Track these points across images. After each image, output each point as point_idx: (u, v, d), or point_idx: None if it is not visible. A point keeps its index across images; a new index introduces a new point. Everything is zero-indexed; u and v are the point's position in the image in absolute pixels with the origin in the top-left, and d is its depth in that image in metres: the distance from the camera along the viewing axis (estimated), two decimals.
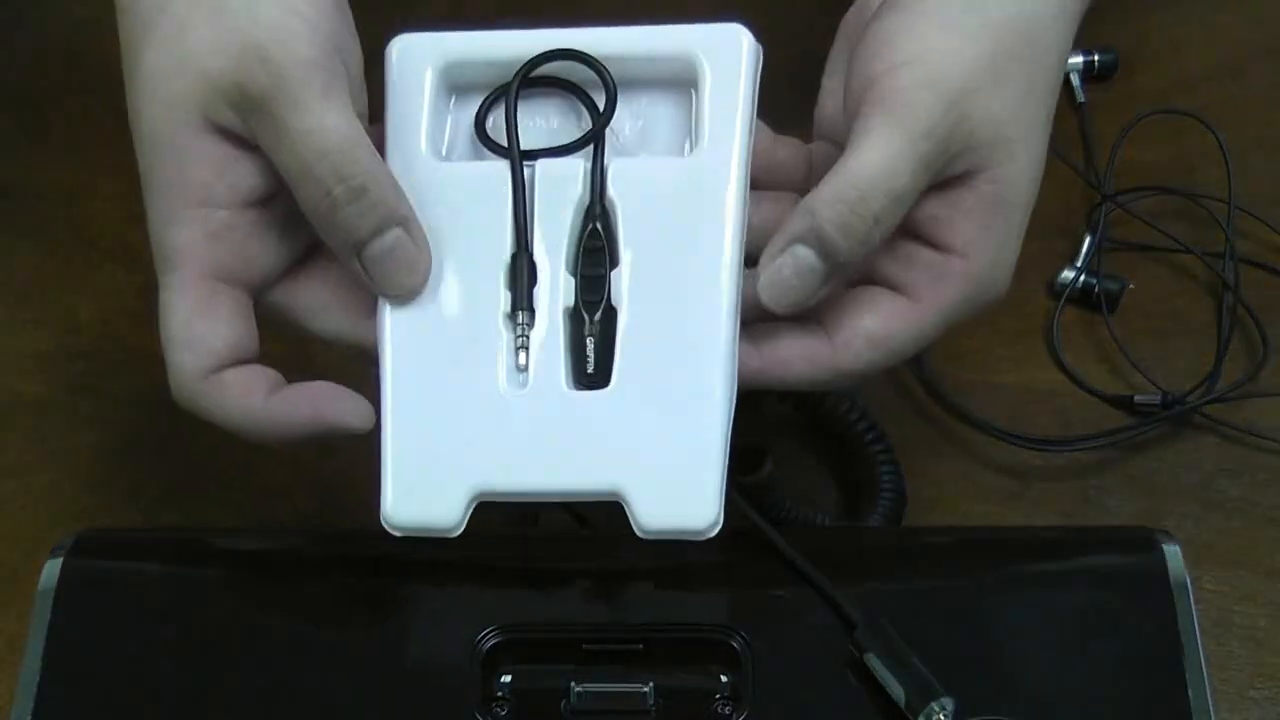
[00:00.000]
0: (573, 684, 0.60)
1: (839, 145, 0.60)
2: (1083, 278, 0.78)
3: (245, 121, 0.58)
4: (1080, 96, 0.83)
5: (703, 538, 0.58)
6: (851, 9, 0.64)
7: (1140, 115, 0.81)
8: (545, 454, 0.59)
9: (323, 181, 0.57)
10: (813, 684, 0.60)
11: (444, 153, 0.62)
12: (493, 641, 0.60)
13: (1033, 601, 0.62)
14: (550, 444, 0.59)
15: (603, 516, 0.60)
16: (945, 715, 0.58)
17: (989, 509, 0.72)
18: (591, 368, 0.59)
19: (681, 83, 0.62)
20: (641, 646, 0.61)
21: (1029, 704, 0.59)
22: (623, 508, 0.58)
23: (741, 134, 0.60)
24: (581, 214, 0.61)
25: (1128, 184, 0.80)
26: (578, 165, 0.61)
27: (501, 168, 0.61)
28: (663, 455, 0.58)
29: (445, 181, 0.61)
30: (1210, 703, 0.59)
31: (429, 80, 0.62)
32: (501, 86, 0.62)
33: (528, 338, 0.59)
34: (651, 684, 0.60)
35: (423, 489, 0.59)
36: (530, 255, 0.60)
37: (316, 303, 0.62)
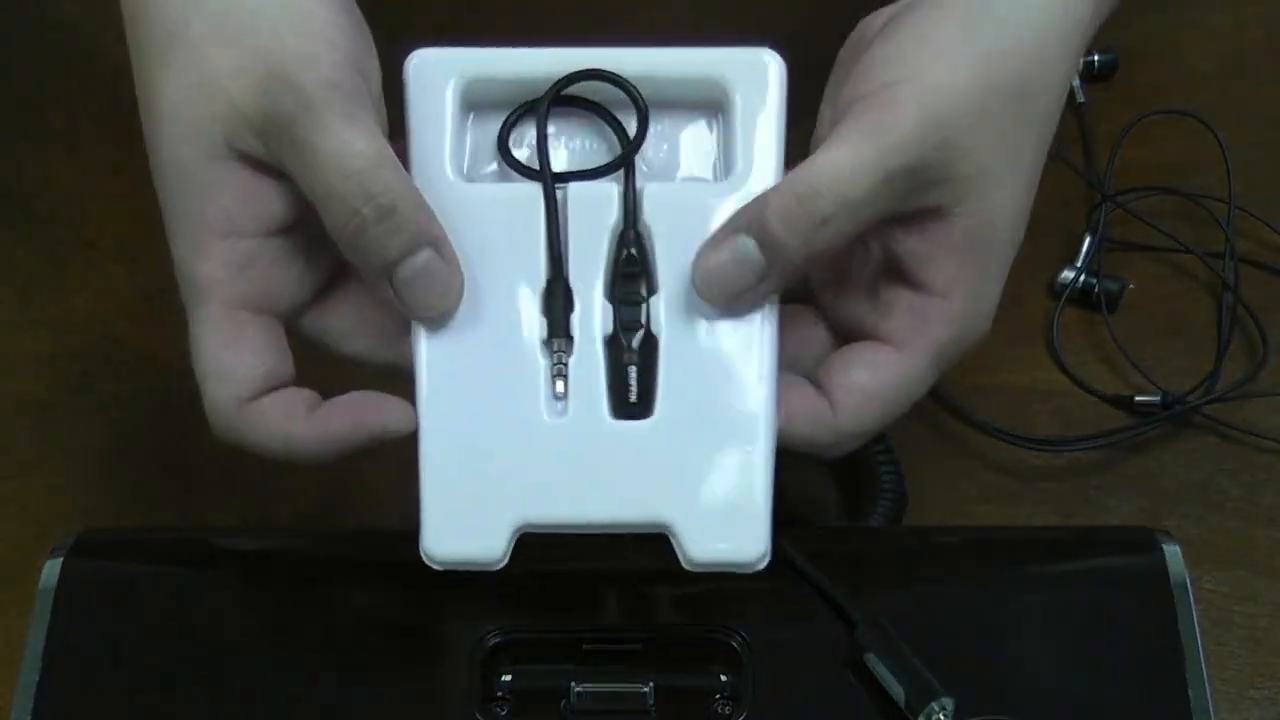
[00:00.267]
0: (573, 684, 0.60)
1: None
2: (1083, 278, 0.78)
3: (269, 147, 0.57)
4: (1080, 96, 0.83)
5: (751, 570, 0.57)
6: (848, 40, 0.62)
7: (1140, 115, 0.81)
8: (589, 485, 0.58)
9: (350, 202, 0.56)
10: (813, 684, 0.60)
11: (464, 172, 0.61)
12: (493, 641, 0.60)
13: (1033, 601, 0.62)
14: (594, 475, 0.58)
15: None
16: (945, 715, 0.58)
17: (989, 509, 0.72)
18: (634, 396, 0.58)
19: (706, 105, 0.61)
20: (641, 646, 0.61)
21: (1029, 704, 0.59)
22: (668, 540, 0.57)
23: (777, 159, 0.60)
24: (616, 239, 0.59)
25: (1128, 184, 0.80)
26: (611, 189, 0.60)
27: (530, 190, 0.59)
28: (710, 487, 0.57)
29: (471, 203, 0.59)
30: (1210, 703, 0.59)
31: (449, 97, 0.60)
32: (524, 105, 0.61)
33: (566, 365, 0.58)
34: (651, 684, 0.60)
35: (463, 521, 0.57)
36: (566, 281, 0.59)
37: (347, 326, 0.61)
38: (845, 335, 0.61)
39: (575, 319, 0.59)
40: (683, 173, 0.61)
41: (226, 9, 0.58)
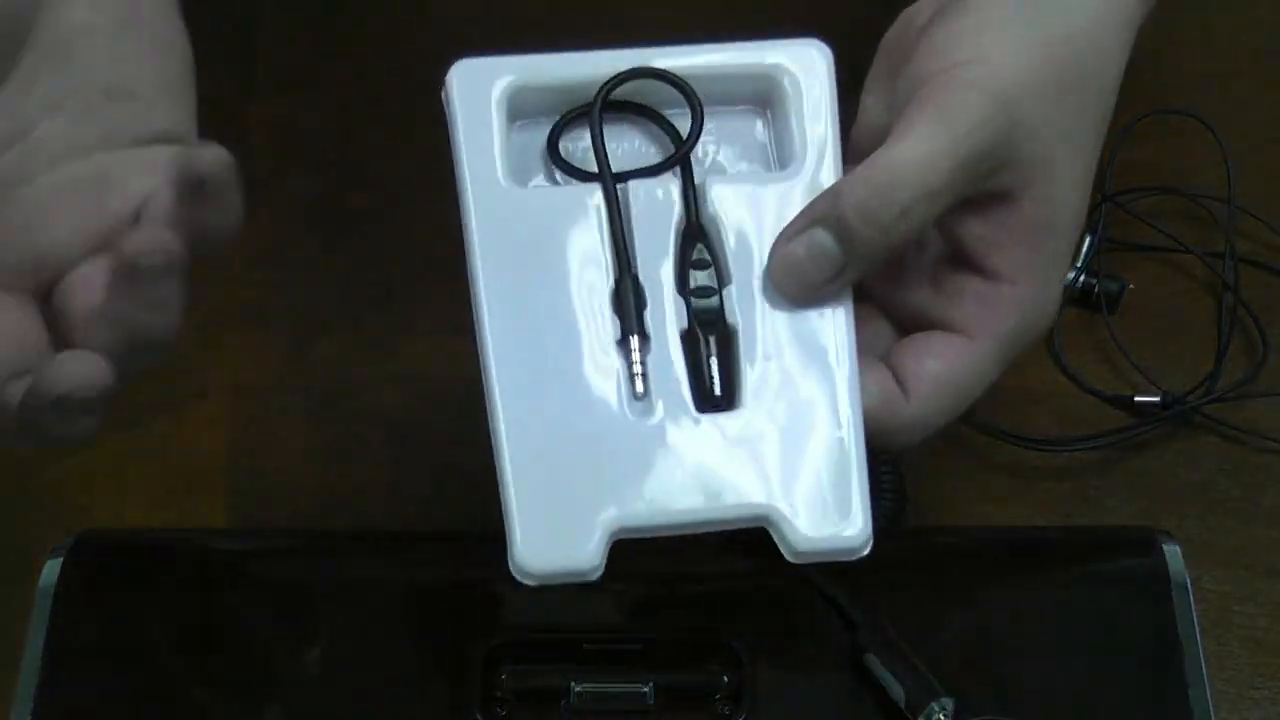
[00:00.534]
0: (573, 684, 0.60)
1: None
2: (1083, 278, 0.78)
3: None
4: None
5: (856, 556, 0.56)
6: (894, 26, 0.62)
7: (1140, 115, 0.81)
8: (683, 483, 0.56)
9: None
10: (813, 684, 0.60)
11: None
12: (493, 641, 0.60)
13: (1033, 601, 0.62)
14: (687, 472, 0.56)
15: None
16: (945, 715, 0.58)
17: (989, 509, 0.72)
18: (718, 389, 0.57)
19: (755, 100, 0.61)
20: (641, 646, 0.61)
21: (1029, 704, 0.59)
22: (768, 532, 0.56)
23: (834, 149, 0.59)
24: (680, 234, 0.59)
25: (1127, 184, 0.80)
26: (669, 185, 0.59)
27: (587, 192, 0.59)
28: (805, 475, 0.56)
29: (530, 209, 0.58)
30: (1210, 703, 0.59)
31: (494, 105, 0.59)
32: (575, 109, 0.60)
33: (644, 363, 0.57)
34: (651, 684, 0.60)
35: (554, 531, 0.55)
36: (636, 278, 0.58)
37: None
38: (907, 326, 0.60)
39: (647, 315, 0.58)
40: (734, 168, 0.61)
41: None
